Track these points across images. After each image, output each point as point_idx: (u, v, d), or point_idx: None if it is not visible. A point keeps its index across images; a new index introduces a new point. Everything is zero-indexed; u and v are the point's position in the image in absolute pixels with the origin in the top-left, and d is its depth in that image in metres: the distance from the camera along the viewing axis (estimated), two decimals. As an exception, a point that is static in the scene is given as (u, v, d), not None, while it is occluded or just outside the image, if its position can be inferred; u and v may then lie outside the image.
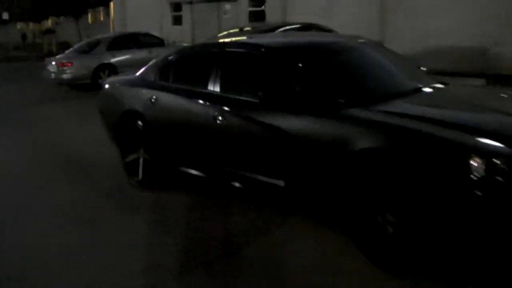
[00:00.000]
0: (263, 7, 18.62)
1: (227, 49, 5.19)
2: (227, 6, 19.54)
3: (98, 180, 6.15)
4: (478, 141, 3.40)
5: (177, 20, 22.17)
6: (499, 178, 3.21)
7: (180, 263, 4.00)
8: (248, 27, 12.11)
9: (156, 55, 13.99)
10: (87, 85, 13.56)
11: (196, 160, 5.14)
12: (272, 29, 10.81)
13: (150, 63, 6.08)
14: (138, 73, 6.05)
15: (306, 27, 11.08)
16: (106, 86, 6.45)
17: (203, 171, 5.10)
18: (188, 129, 5.11)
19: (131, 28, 18.16)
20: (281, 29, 10.96)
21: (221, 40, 5.94)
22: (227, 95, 4.81)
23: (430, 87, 4.71)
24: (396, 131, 3.67)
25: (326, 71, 4.57)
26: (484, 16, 12.18)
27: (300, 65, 4.49)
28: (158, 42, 15.12)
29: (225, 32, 11.59)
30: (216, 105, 4.77)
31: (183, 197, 5.37)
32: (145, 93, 5.57)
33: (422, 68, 5.29)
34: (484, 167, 3.23)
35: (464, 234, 3.32)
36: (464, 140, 3.41)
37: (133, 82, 5.95)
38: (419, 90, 4.60)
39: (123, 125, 5.80)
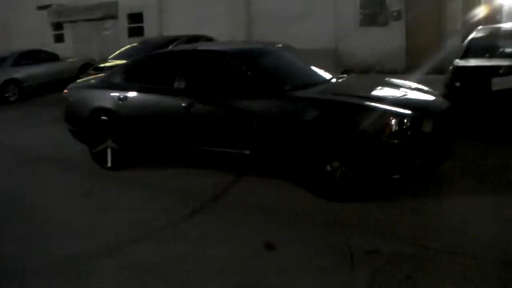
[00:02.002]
0: (142, 23, 19.76)
1: (194, 55, 6.64)
2: (108, 23, 20.41)
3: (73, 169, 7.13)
4: (393, 108, 5.17)
5: (59, 38, 22.58)
6: (407, 130, 4.99)
7: (182, 208, 5.29)
8: (145, 40, 13.33)
9: (54, 69, 14.75)
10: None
11: (168, 142, 6.40)
12: (170, 41, 12.24)
13: (113, 69, 7.26)
14: (99, 79, 7.19)
15: (196, 37, 12.66)
16: (69, 91, 7.42)
17: (173, 151, 6.39)
18: (160, 119, 6.35)
19: (15, 46, 18.36)
20: (177, 40, 12.35)
21: (181, 49, 7.34)
22: (198, 89, 6.18)
23: (337, 77, 6.44)
24: (336, 104, 5.33)
25: (271, 67, 6.16)
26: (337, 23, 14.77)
27: (254, 63, 6.03)
28: (54, 58, 15.77)
29: (127, 46, 12.72)
30: (188, 97, 6.09)
31: (157, 172, 6.68)
32: (113, 92, 6.71)
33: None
34: (397, 124, 4.99)
35: (387, 166, 5.04)
36: (386, 108, 5.16)
37: (98, 85, 7.08)
38: (332, 79, 6.31)
39: (91, 121, 6.84)
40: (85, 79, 8.48)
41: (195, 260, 4.20)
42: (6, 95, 14.03)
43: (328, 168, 5.28)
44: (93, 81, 7.45)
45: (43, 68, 15.05)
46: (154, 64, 6.84)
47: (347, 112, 5.21)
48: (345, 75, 6.57)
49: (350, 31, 15.41)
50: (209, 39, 12.56)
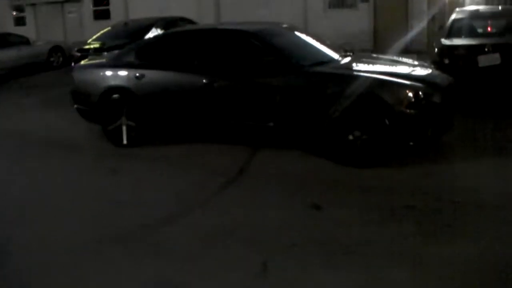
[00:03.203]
0: (108, 6, 19.64)
1: (214, 33, 6.94)
2: (72, 6, 20.17)
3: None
4: (409, 82, 5.70)
5: (20, 21, 22.06)
6: (421, 102, 5.53)
7: (213, 181, 5.58)
8: (126, 22, 13.40)
9: (25, 53, 14.58)
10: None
11: (188, 118, 6.71)
12: (151, 23, 12.40)
13: (124, 49, 7.47)
14: (111, 58, 7.39)
15: (175, 19, 12.88)
16: (77, 71, 7.57)
17: (193, 126, 6.72)
18: (180, 95, 6.63)
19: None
20: (158, 22, 12.51)
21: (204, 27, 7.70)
22: (219, 66, 6.49)
23: (344, 55, 6.90)
24: (358, 78, 5.80)
25: (288, 46, 6.56)
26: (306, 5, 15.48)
27: (274, 42, 6.43)
28: (24, 41, 15.54)
29: (107, 28, 12.79)
30: (210, 74, 6.41)
31: (172, 149, 6.92)
32: (128, 71, 6.94)
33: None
34: (413, 96, 5.52)
35: (404, 134, 5.58)
36: (402, 81, 5.67)
37: (110, 64, 7.27)
38: (341, 57, 6.77)
39: (105, 100, 7.05)
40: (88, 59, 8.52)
41: (255, 222, 4.56)
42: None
43: (350, 137, 5.72)
44: (102, 60, 7.59)
45: (13, 51, 14.76)
46: (171, 42, 7.09)
47: (368, 86, 5.66)
48: (350, 53, 6.99)
49: (318, 13, 15.93)
50: (189, 21, 12.77)
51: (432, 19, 14.13)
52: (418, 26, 14.13)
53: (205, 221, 4.64)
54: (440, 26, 10.44)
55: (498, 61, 7.57)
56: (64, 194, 5.57)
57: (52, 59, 15.93)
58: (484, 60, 7.64)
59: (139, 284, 3.69)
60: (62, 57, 16.06)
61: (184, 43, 6.94)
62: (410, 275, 3.57)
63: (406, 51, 12.34)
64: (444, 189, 5.05)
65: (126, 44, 10.43)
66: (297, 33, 7.13)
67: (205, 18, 16.51)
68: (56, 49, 16.04)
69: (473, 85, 7.62)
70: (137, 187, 5.66)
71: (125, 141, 7.03)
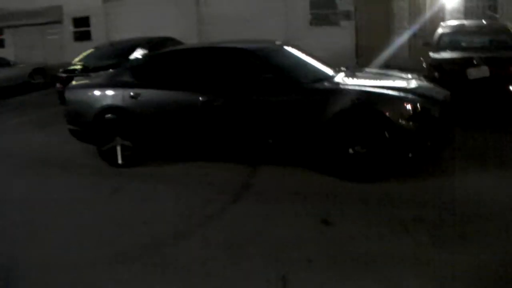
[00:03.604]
0: (89, 27, 19.57)
1: (213, 52, 6.91)
2: (53, 28, 20.06)
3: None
4: (408, 96, 5.76)
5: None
6: (419, 115, 5.59)
7: (220, 198, 5.56)
8: (111, 43, 13.33)
9: (6, 75, 14.41)
10: None
11: (187, 137, 6.67)
12: (136, 43, 12.31)
13: (118, 69, 7.42)
14: (104, 77, 7.33)
15: (165, 40, 12.84)
16: (71, 91, 7.48)
17: (192, 145, 6.68)
18: (178, 114, 6.59)
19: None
20: (143, 43, 12.44)
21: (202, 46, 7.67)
22: (218, 84, 6.46)
23: (340, 71, 6.95)
24: (357, 93, 5.84)
25: (287, 63, 6.60)
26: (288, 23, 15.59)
27: (273, 59, 6.46)
28: (4, 63, 15.36)
29: (90, 50, 12.71)
30: (208, 92, 6.39)
31: (170, 167, 6.88)
32: (123, 90, 6.88)
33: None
34: (412, 109, 5.58)
35: (404, 147, 5.61)
36: (401, 95, 5.74)
37: (104, 83, 7.20)
38: (337, 73, 6.81)
39: (99, 120, 6.98)
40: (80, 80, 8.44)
41: (267, 238, 4.53)
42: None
43: (351, 151, 5.74)
44: (95, 80, 7.53)
45: (-5, 73, 14.55)
46: (168, 61, 7.05)
47: (367, 100, 5.71)
48: (344, 69, 7.04)
49: (301, 31, 16.08)
50: (176, 41, 12.74)
51: (414, 36, 14.36)
52: (400, 42, 14.33)
53: (216, 238, 4.60)
54: (425, 42, 10.60)
55: (487, 74, 7.72)
56: (66, 214, 5.47)
57: (33, 81, 15.75)
58: (473, 73, 7.78)
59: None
60: (44, 79, 15.86)
61: (181, 61, 6.91)
62: (429, 285, 3.59)
63: (388, 67, 12.48)
64: (449, 201, 5.07)
65: (112, 65, 10.41)
66: (292, 50, 7.14)
67: (188, 38, 16.51)
68: (38, 71, 15.87)
69: (464, 97, 7.73)
70: (141, 205, 5.58)
71: (120, 161, 6.94)
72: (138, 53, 11.27)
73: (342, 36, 15.47)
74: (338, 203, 5.24)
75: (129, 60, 10.68)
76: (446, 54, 8.35)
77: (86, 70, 10.82)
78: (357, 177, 5.76)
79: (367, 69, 7.46)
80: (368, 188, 5.53)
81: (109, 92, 7.02)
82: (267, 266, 4.00)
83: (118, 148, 6.95)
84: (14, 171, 7.37)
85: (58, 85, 11.18)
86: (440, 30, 9.20)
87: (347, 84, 6.16)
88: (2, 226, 5.28)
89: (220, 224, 4.92)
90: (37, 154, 8.23)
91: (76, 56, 12.92)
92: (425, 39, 11.45)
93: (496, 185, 5.45)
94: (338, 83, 6.19)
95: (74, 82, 7.96)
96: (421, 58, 8.88)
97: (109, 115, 6.90)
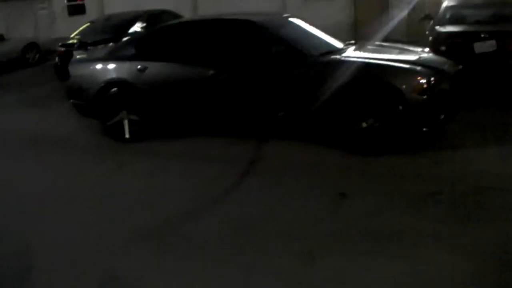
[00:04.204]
0: (83, 1, 19.23)
1: (220, 24, 6.79)
2: (45, 2, 19.68)
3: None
4: (421, 69, 5.70)
5: (-11, 17, 21.43)
6: (433, 88, 5.54)
7: (228, 174, 5.48)
8: (108, 16, 13.10)
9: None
10: None
11: (195, 110, 6.58)
12: (134, 17, 12.12)
13: (122, 42, 7.28)
14: (109, 51, 7.20)
15: (162, 12, 12.65)
16: (73, 65, 7.34)
17: (200, 118, 6.60)
18: (186, 88, 6.50)
19: None
20: (142, 16, 12.25)
21: (209, 18, 7.34)
22: (227, 57, 6.36)
23: (349, 44, 6.87)
24: (370, 66, 5.78)
25: (296, 35, 6.50)
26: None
27: (282, 32, 6.36)
28: (-3, 37, 15.07)
29: (87, 24, 12.50)
30: (217, 65, 6.29)
31: (176, 142, 6.78)
32: (129, 64, 6.76)
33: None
34: (426, 82, 5.53)
35: (418, 121, 5.60)
36: (415, 68, 5.68)
37: (108, 57, 7.07)
38: (347, 45, 6.73)
39: (104, 94, 6.86)
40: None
41: (285, 213, 4.48)
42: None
43: (364, 125, 5.69)
44: (100, 54, 7.40)
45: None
46: (174, 34, 6.94)
47: (380, 73, 5.65)
48: (353, 42, 6.95)
49: (297, 6, 15.87)
50: (173, 14, 12.56)
51: (413, 9, 14.24)
52: (399, 16, 14.20)
53: (232, 214, 4.53)
54: (425, 15, 10.50)
55: (494, 48, 7.65)
56: (76, 193, 5.38)
57: (27, 56, 15.48)
58: (480, 47, 7.72)
59: (185, 283, 3.55)
60: (38, 54, 15.59)
61: (189, 34, 6.80)
62: (453, 259, 3.57)
63: (387, 41, 12.38)
64: (462, 175, 5.04)
65: (111, 38, 10.26)
66: (299, 22, 7.04)
67: (183, 11, 16.23)
68: (31, 46, 15.58)
69: (470, 72, 7.66)
70: (150, 182, 5.51)
71: (127, 135, 6.86)
72: (137, 27, 11.09)
73: (339, 10, 15.29)
74: (351, 176, 5.21)
75: (128, 33, 10.53)
76: (452, 28, 8.27)
77: (84, 44, 10.63)
78: (371, 151, 5.73)
79: (376, 43, 7.36)
80: (381, 162, 5.49)
81: (115, 66, 6.92)
82: (290, 241, 3.96)
83: (125, 123, 6.84)
84: (11, 151, 7.21)
85: (56, 59, 11.01)
86: (445, 3, 9.09)
87: (358, 57, 6.09)
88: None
89: (232, 201, 4.84)
90: (35, 132, 8.07)
91: (70, 31, 12.72)
92: (426, 13, 11.33)
93: (507, 158, 5.41)
94: (348, 56, 6.10)
95: (77, 56, 7.81)
96: (427, 32, 8.77)
97: (114, 89, 6.81)
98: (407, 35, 13.72)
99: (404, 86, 5.49)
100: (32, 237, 4.38)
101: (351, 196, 4.72)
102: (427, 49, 6.91)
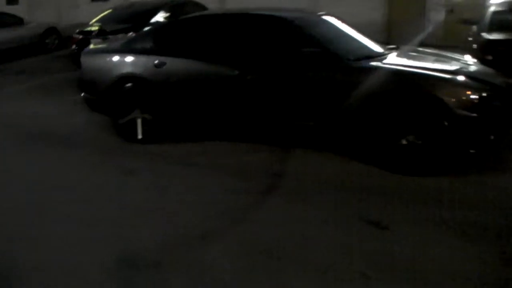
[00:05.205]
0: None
1: (253, 20, 6.14)
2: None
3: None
4: (471, 82, 5.02)
5: (12, 0, 21.00)
6: (483, 104, 4.85)
7: (251, 188, 4.90)
8: (131, 4, 12.55)
9: (19, 34, 13.66)
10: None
11: (216, 113, 5.96)
12: (158, 5, 11.53)
13: (140, 33, 6.68)
14: (125, 42, 6.60)
15: (187, 3, 12.05)
16: (86, 56, 6.76)
17: (221, 122, 5.97)
18: (207, 88, 5.90)
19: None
20: (166, 5, 11.65)
21: (236, 12, 6.67)
22: (254, 56, 5.75)
23: (390, 49, 6.18)
24: (413, 75, 5.09)
25: (332, 37, 5.85)
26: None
27: (317, 32, 5.69)
28: (17, 21, 14.60)
29: (108, 10, 11.95)
30: (242, 64, 5.67)
31: (192, 147, 6.19)
32: (146, 57, 6.16)
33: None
34: (476, 97, 4.83)
35: (465, 140, 4.93)
36: (464, 81, 5.00)
37: (123, 49, 6.47)
38: (387, 51, 6.04)
39: (117, 89, 6.27)
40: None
41: (311, 241, 3.88)
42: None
43: (404, 142, 5.03)
44: (115, 45, 6.80)
45: (5, 32, 13.83)
46: (197, 27, 6.34)
47: (425, 84, 4.98)
48: (395, 47, 6.26)
49: (327, 2, 15.12)
50: (200, 6, 11.93)
51: (451, 11, 13.47)
52: (435, 19, 13.45)
53: (250, 238, 3.94)
54: (466, 19, 9.78)
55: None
56: (70, 202, 4.76)
57: (47, 41, 15.01)
58: (533, 57, 6.97)
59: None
60: (58, 40, 15.11)
61: (213, 28, 6.20)
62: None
63: (422, 45, 11.68)
64: (509, 202, 4.41)
65: (131, 28, 9.71)
66: (335, 22, 6.36)
67: (209, 3, 15.60)
68: (51, 31, 15.11)
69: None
70: (160, 192, 4.90)
71: (139, 136, 6.28)
72: (160, 16, 10.53)
73: (372, 9, 14.53)
74: (386, 199, 4.58)
75: (149, 23, 9.98)
76: (500, 35, 7.55)
77: (103, 33, 10.12)
78: (408, 170, 5.09)
79: (420, 49, 6.66)
80: (421, 184, 4.85)
81: (130, 59, 6.34)
82: (316, 278, 3.36)
83: (139, 122, 6.27)
84: (11, 145, 6.63)
85: (73, 47, 10.50)
86: (492, 8, 8.35)
87: (400, 65, 5.41)
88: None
89: (251, 221, 4.25)
90: (40, 124, 7.49)
91: (91, 17, 12.19)
92: (464, 17, 10.64)
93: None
94: (390, 63, 5.42)
95: (91, 46, 7.24)
96: (471, 39, 8.06)
97: (129, 84, 6.22)
98: (443, 40, 12.96)
99: (452, 101, 4.81)
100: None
101: (388, 224, 4.09)
102: (469, 57, 6.19)
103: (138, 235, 4.05)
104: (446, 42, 12.26)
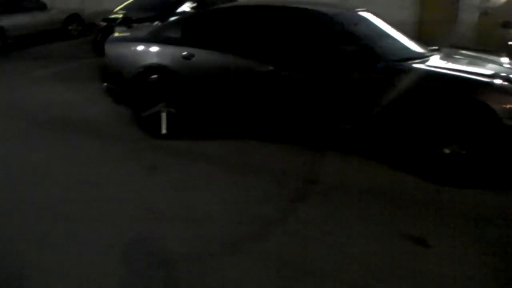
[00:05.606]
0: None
1: (290, 13, 5.72)
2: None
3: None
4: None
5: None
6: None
7: (283, 193, 4.60)
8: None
9: (41, 19, 13.44)
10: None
11: (246, 110, 5.65)
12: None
13: (167, 22, 6.36)
14: (151, 31, 6.28)
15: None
16: (110, 44, 6.46)
17: (251, 120, 5.65)
18: (238, 83, 5.57)
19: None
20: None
21: (272, 4, 6.15)
22: (289, 51, 5.40)
23: (433, 51, 5.80)
24: (461, 80, 4.71)
25: (372, 35, 5.48)
26: None
27: (357, 29, 5.33)
28: (40, 6, 14.38)
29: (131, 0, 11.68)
30: (277, 60, 5.34)
31: (218, 144, 5.85)
32: (173, 48, 5.84)
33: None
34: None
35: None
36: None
37: (149, 38, 6.16)
38: (430, 52, 5.66)
39: (141, 80, 5.96)
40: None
41: (347, 257, 3.57)
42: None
43: (446, 151, 4.66)
44: (140, 33, 6.50)
45: (29, 17, 13.60)
46: (229, 18, 5.99)
47: (473, 90, 4.61)
48: (437, 48, 5.87)
49: (355, 1, 14.69)
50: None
51: (485, 13, 12.98)
52: (469, 20, 12.98)
53: (281, 252, 3.62)
54: (505, 22, 9.34)
55: None
56: (94, 198, 4.51)
57: (70, 27, 14.79)
58: None
59: None
60: (81, 26, 14.88)
61: (246, 20, 5.85)
62: None
63: (455, 47, 11.25)
64: None
65: (157, 16, 9.42)
66: (375, 20, 5.98)
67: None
68: (74, 17, 14.88)
69: None
70: (183, 197, 4.57)
71: (164, 130, 5.99)
72: (186, 6, 10.22)
73: (403, 7, 14.07)
74: (430, 212, 4.25)
75: (175, 13, 9.69)
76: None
77: (127, 21, 9.84)
78: (451, 182, 4.73)
79: (463, 51, 6.26)
80: (463, 198, 4.51)
81: (157, 49, 6.03)
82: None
83: (163, 116, 5.95)
84: (31, 135, 6.36)
85: (96, 34, 10.23)
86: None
87: (445, 68, 5.02)
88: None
89: (281, 233, 3.92)
90: (61, 115, 7.21)
91: (116, 4, 11.93)
92: (502, 19, 10.19)
93: None
94: (434, 66, 5.05)
95: (115, 34, 6.93)
96: (509, 42, 7.63)
97: (154, 76, 5.89)
98: (477, 42, 12.49)
99: (502, 109, 4.44)
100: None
101: (434, 242, 3.75)
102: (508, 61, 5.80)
103: (162, 242, 3.76)
104: (478, 44, 11.82)
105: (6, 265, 3.48)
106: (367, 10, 6.30)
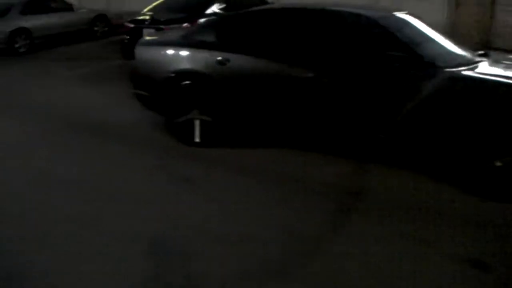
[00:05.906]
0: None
1: (331, 16, 5.49)
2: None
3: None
4: None
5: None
6: None
7: (324, 207, 4.36)
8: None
9: (67, 20, 13.37)
10: (2, 51, 12.40)
11: (283, 118, 5.43)
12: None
13: (199, 24, 6.14)
14: (183, 34, 6.09)
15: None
16: (141, 48, 6.27)
17: (289, 128, 5.42)
18: (276, 89, 5.35)
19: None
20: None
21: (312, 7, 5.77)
22: (330, 57, 5.16)
23: (481, 56, 5.49)
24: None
25: (417, 40, 5.17)
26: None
27: (401, 34, 5.05)
28: (68, 7, 14.34)
29: (159, 1, 11.50)
30: (318, 66, 5.10)
31: (254, 154, 5.65)
32: (207, 53, 5.63)
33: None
34: None
35: None
36: None
37: (181, 42, 5.96)
38: (479, 57, 5.35)
39: (173, 86, 5.75)
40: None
41: (397, 283, 3.31)
42: (16, 46, 12.51)
43: (498, 163, 4.37)
44: (171, 37, 6.30)
45: (56, 17, 13.59)
46: (267, 22, 5.79)
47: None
48: (485, 53, 5.56)
49: (386, 2, 14.34)
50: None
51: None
52: (505, 22, 12.58)
53: (325, 275, 3.38)
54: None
55: None
56: (124, 213, 4.28)
57: (96, 28, 14.71)
58: None
59: None
60: (107, 27, 14.79)
61: (285, 24, 5.60)
62: None
63: (489, 49, 10.89)
64: None
65: (185, 18, 9.25)
66: (420, 24, 5.67)
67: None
68: (101, 18, 14.80)
69: None
70: (221, 209, 4.36)
71: (197, 139, 5.79)
72: (215, 7, 10.00)
73: (437, 8, 13.68)
74: (480, 231, 3.97)
75: (204, 14, 9.49)
76: None
77: (156, 22, 9.67)
78: (503, 196, 4.47)
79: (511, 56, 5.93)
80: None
81: (189, 54, 5.84)
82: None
83: (197, 123, 5.75)
84: (58, 140, 6.23)
85: (124, 36, 10.08)
86: None
87: (497, 75, 4.73)
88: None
89: (324, 253, 3.68)
90: (88, 119, 7.06)
91: (143, 5, 11.77)
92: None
93: None
94: (485, 73, 4.75)
95: (146, 37, 6.75)
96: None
97: (187, 82, 5.68)
98: (512, 44, 12.12)
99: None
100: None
101: (484, 261, 3.53)
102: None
103: (199, 265, 3.55)
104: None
105: (6, 265, 3.36)
106: (408, 13, 5.97)
